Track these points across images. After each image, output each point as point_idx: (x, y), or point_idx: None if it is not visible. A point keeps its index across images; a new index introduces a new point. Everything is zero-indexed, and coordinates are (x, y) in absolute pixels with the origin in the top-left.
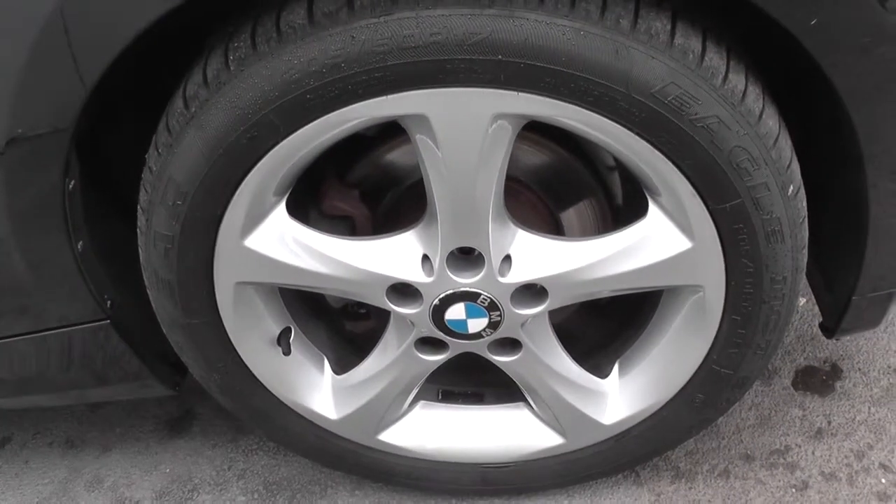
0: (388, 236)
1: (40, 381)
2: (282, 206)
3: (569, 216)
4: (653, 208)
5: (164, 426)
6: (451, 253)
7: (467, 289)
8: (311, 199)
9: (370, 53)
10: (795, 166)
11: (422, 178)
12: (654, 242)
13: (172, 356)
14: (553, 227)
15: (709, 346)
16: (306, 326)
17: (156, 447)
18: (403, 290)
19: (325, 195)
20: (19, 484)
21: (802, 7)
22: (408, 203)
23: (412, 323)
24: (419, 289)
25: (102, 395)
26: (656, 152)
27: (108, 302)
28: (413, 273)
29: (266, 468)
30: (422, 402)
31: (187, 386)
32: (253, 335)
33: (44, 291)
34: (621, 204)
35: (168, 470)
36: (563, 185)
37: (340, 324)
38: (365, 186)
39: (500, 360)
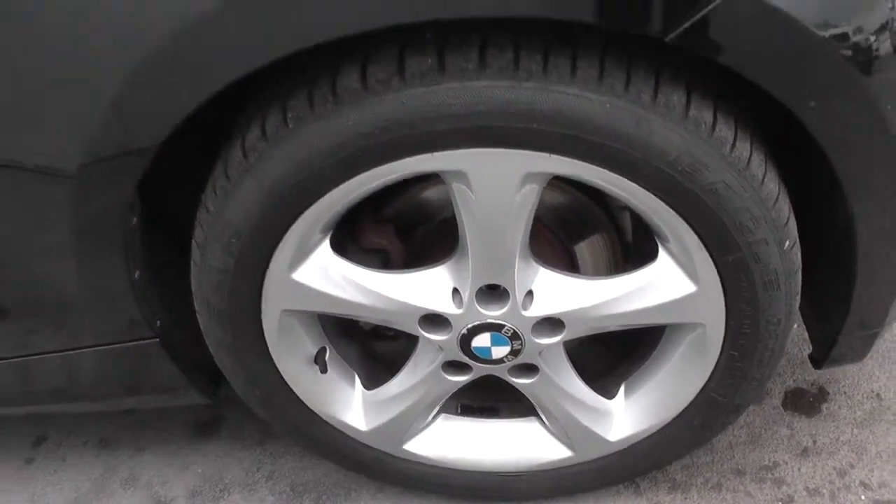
0: (421, 270)
1: (85, 391)
2: (326, 243)
3: (581, 249)
4: (662, 254)
5: (193, 430)
6: (480, 288)
7: (493, 320)
8: (348, 233)
9: (418, 118)
10: (792, 223)
11: (450, 215)
12: (663, 284)
13: (210, 368)
14: (567, 258)
15: (707, 376)
16: (339, 346)
17: (187, 449)
18: (434, 320)
19: (362, 231)
20: (58, 480)
21: (804, 92)
22: (437, 237)
23: (441, 348)
24: (449, 319)
25: (141, 404)
26: (669, 209)
27: (158, 322)
28: (444, 305)
29: (293, 471)
30: (443, 415)
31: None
32: (293, 355)
33: (99, 312)
34: (631, 239)
35: (200, 470)
36: (576, 221)
37: (370, 344)
38: (398, 222)
39: (519, 382)
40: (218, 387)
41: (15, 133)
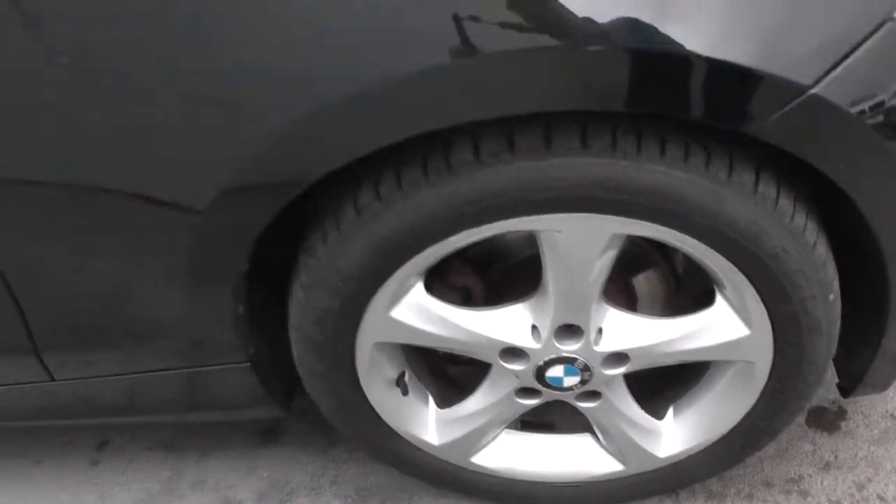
0: (503, 307)
1: (174, 405)
2: (420, 284)
3: (638, 281)
4: (719, 299)
5: (256, 436)
6: (558, 326)
7: (567, 354)
8: (434, 272)
9: (525, 188)
10: (836, 280)
11: (524, 256)
12: (719, 327)
13: (287, 384)
14: (626, 290)
15: (751, 405)
16: (415, 368)
17: (251, 454)
18: (513, 352)
19: (448, 270)
20: (126, 481)
21: (861, 179)
22: (514, 276)
23: (517, 376)
24: (527, 352)
25: (223, 417)
26: (733, 266)
27: (251, 350)
28: (524, 340)
29: (357, 476)
30: (506, 430)
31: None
32: (377, 379)
33: (200, 339)
34: (681, 272)
35: (265, 475)
36: (634, 258)
37: (444, 367)
38: (479, 261)
39: (583, 405)
40: (292, 401)
41: (151, 161)
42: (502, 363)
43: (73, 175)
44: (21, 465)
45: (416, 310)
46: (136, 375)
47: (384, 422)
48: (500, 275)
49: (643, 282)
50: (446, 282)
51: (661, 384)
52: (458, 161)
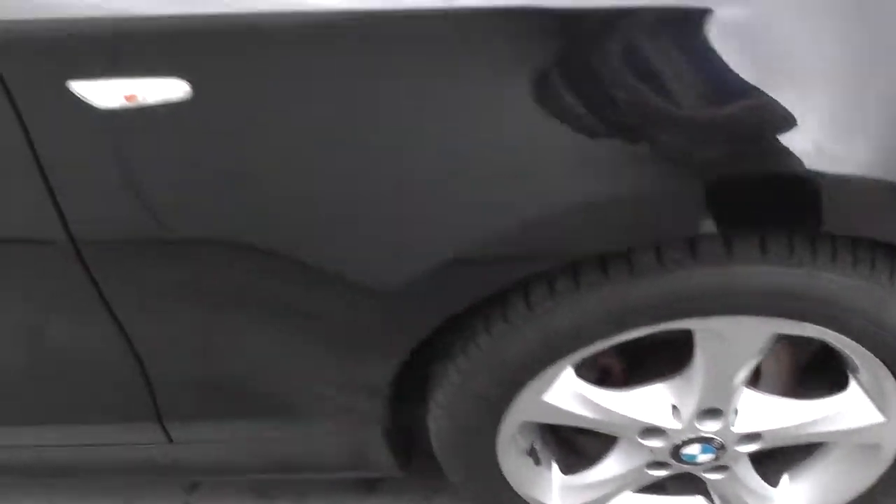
0: (645, 386)
1: (284, 467)
2: (572, 369)
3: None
4: (853, 385)
5: (354, 484)
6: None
7: (706, 434)
8: None
9: (703, 293)
10: None
11: (664, 337)
12: (852, 413)
13: (409, 445)
14: None
15: (872, 482)
16: (543, 437)
17: (351, 502)
18: (652, 430)
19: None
20: None
21: None
22: (651, 355)
23: (651, 451)
24: (668, 432)
25: (333, 476)
26: (881, 364)
27: (388, 425)
28: (666, 420)
29: None
30: None
31: None
32: (512, 449)
33: (339, 413)
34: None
35: None
36: None
37: (571, 437)
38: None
39: (709, 478)
40: (411, 462)
41: (357, 236)
42: (640, 440)
43: (247, 237)
44: None
45: (567, 393)
46: (255, 442)
47: (511, 487)
48: (639, 355)
49: (769, 356)
50: (589, 363)
51: (776, 451)
52: (641, 265)
